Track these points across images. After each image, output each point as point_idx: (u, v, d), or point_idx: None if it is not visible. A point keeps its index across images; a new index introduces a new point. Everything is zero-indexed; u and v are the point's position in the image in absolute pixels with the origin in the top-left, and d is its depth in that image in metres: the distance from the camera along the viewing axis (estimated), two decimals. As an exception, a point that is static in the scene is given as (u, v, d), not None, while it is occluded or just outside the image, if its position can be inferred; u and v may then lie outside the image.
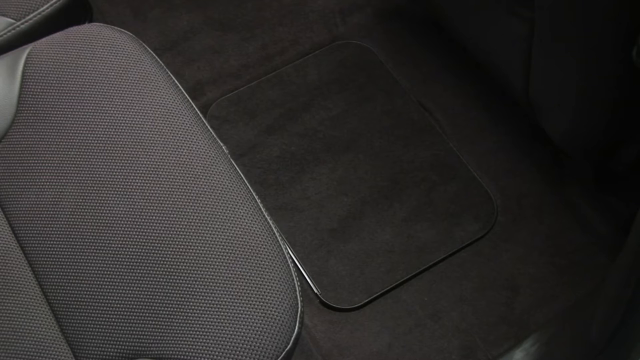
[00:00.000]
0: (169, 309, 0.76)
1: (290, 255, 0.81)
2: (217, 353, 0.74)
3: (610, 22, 0.83)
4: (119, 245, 0.80)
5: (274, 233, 0.80)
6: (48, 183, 0.84)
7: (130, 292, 0.78)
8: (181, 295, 0.77)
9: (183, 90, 0.89)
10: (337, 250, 1.15)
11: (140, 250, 0.79)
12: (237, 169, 0.84)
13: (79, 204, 0.82)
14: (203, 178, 0.82)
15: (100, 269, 0.79)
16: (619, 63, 0.87)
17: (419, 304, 1.10)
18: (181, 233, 0.79)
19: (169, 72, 0.91)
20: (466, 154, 1.21)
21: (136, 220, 0.80)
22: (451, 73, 1.29)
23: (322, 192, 1.20)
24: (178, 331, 0.75)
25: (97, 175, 0.83)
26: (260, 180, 1.20)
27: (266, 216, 0.81)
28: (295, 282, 0.78)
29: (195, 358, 0.74)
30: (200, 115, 0.88)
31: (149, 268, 0.78)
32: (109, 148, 0.84)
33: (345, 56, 1.32)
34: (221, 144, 0.86)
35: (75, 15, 1.03)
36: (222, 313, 0.75)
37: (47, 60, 0.90)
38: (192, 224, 0.80)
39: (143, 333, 0.76)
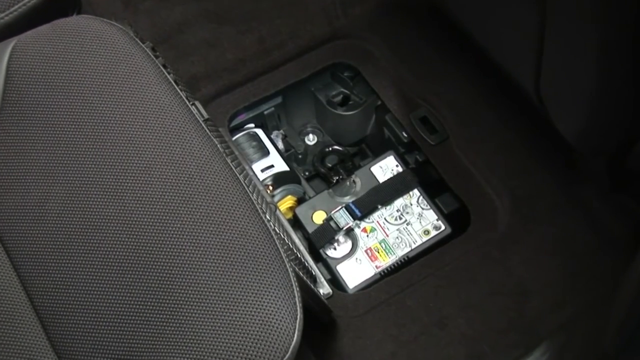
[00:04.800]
0: (161, 316, 0.76)
1: (290, 259, 0.81)
2: (211, 362, 0.74)
3: (629, 11, 0.82)
4: (109, 249, 0.79)
5: (272, 236, 0.80)
6: (34, 183, 0.84)
7: (120, 298, 0.77)
8: (174, 301, 0.76)
9: (175, 86, 0.89)
10: (338, 254, 1.15)
11: (131, 254, 0.79)
12: (233, 168, 0.84)
13: (67, 205, 0.82)
14: (197, 178, 0.82)
15: (89, 273, 0.79)
16: (639, 56, 0.86)
17: (424, 310, 1.09)
18: (174, 236, 0.79)
19: (160, 67, 0.90)
20: (474, 152, 1.21)
21: (126, 222, 0.80)
22: (458, 67, 1.29)
23: (323, 193, 1.20)
24: (171, 339, 0.75)
25: (86, 175, 0.83)
26: (257, 180, 1.20)
27: (263, 218, 0.81)
28: (295, 288, 0.78)
29: (189, 367, 0.74)
30: (194, 111, 0.88)
31: (140, 273, 0.78)
32: (97, 146, 0.84)
33: (346, 49, 1.32)
34: (215, 142, 0.86)
35: (62, 7, 1.03)
36: (217, 320, 0.75)
37: (32, 55, 0.90)
38: (186, 226, 0.80)
39: (134, 342, 0.76)
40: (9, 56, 0.90)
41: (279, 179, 1.23)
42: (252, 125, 1.30)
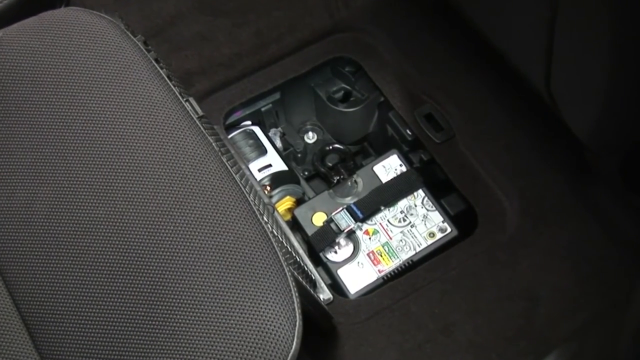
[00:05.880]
0: (153, 322, 0.76)
1: (288, 263, 0.81)
2: (206, 371, 0.74)
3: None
4: (99, 252, 0.79)
5: (269, 238, 0.80)
6: (20, 184, 0.84)
7: (110, 303, 0.77)
8: (167, 307, 0.76)
9: (169, 81, 0.89)
10: (339, 257, 1.15)
11: (122, 257, 0.79)
12: (229, 168, 0.84)
13: (55, 206, 0.82)
14: (191, 178, 0.82)
15: (78, 278, 0.79)
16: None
17: (429, 316, 1.09)
18: (167, 238, 0.79)
19: (153, 61, 0.90)
20: (481, 151, 1.21)
21: (117, 224, 0.80)
22: (465, 62, 1.29)
23: (323, 193, 1.20)
24: (163, 347, 0.75)
25: (74, 176, 0.83)
26: (254, 180, 1.20)
27: (261, 220, 0.81)
28: (293, 293, 0.78)
29: (183, 377, 0.74)
30: (188, 108, 0.88)
31: (132, 277, 0.78)
32: (87, 145, 0.84)
33: (348, 43, 1.32)
34: (210, 140, 0.86)
35: (50, -1, 1.03)
36: (212, 327, 0.75)
37: (18, 48, 0.90)
38: (179, 228, 0.79)
39: (125, 349, 0.76)
40: (-7, 50, 0.90)
41: (277, 179, 1.23)
42: (249, 122, 1.30)
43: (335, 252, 1.16)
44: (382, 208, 1.18)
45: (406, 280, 1.13)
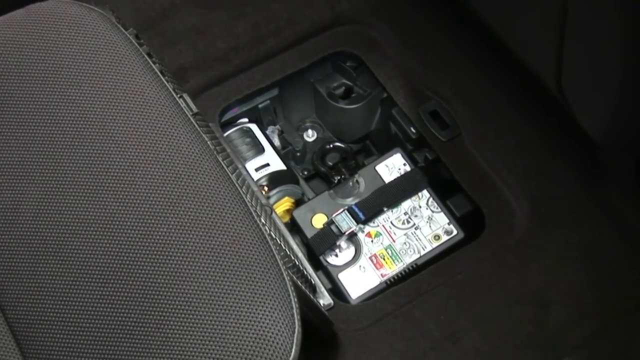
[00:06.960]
0: (146, 328, 0.76)
1: (287, 267, 0.81)
2: (201, 380, 0.74)
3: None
4: (89, 256, 0.79)
5: (267, 241, 0.80)
6: (7, 184, 0.84)
7: (101, 309, 0.77)
8: (160, 313, 0.76)
9: (162, 77, 0.89)
10: (340, 261, 1.15)
11: (112, 260, 0.79)
12: (225, 167, 0.84)
13: (42, 207, 0.82)
14: (185, 178, 0.82)
15: (67, 282, 0.79)
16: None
17: (434, 322, 1.09)
18: (160, 241, 0.79)
19: (145, 56, 0.90)
20: (489, 150, 1.21)
21: (108, 226, 0.80)
22: (471, 57, 1.29)
23: (323, 194, 1.20)
24: (157, 354, 0.75)
25: (63, 175, 0.83)
26: (251, 180, 1.20)
27: (258, 221, 0.81)
28: (292, 298, 0.78)
29: (177, 386, 0.74)
30: (182, 105, 0.88)
31: (123, 281, 0.78)
32: (76, 143, 0.84)
33: (349, 36, 1.32)
34: (205, 138, 0.86)
35: (38, -10, 1.03)
36: (207, 334, 0.75)
37: (4, 42, 0.90)
38: (173, 230, 0.79)
39: (116, 357, 0.76)
40: (-22, 44, 0.90)
41: (275, 179, 1.23)
42: (246, 120, 1.30)
43: (336, 256, 1.16)
44: (385, 209, 1.18)
45: (410, 284, 1.13)
